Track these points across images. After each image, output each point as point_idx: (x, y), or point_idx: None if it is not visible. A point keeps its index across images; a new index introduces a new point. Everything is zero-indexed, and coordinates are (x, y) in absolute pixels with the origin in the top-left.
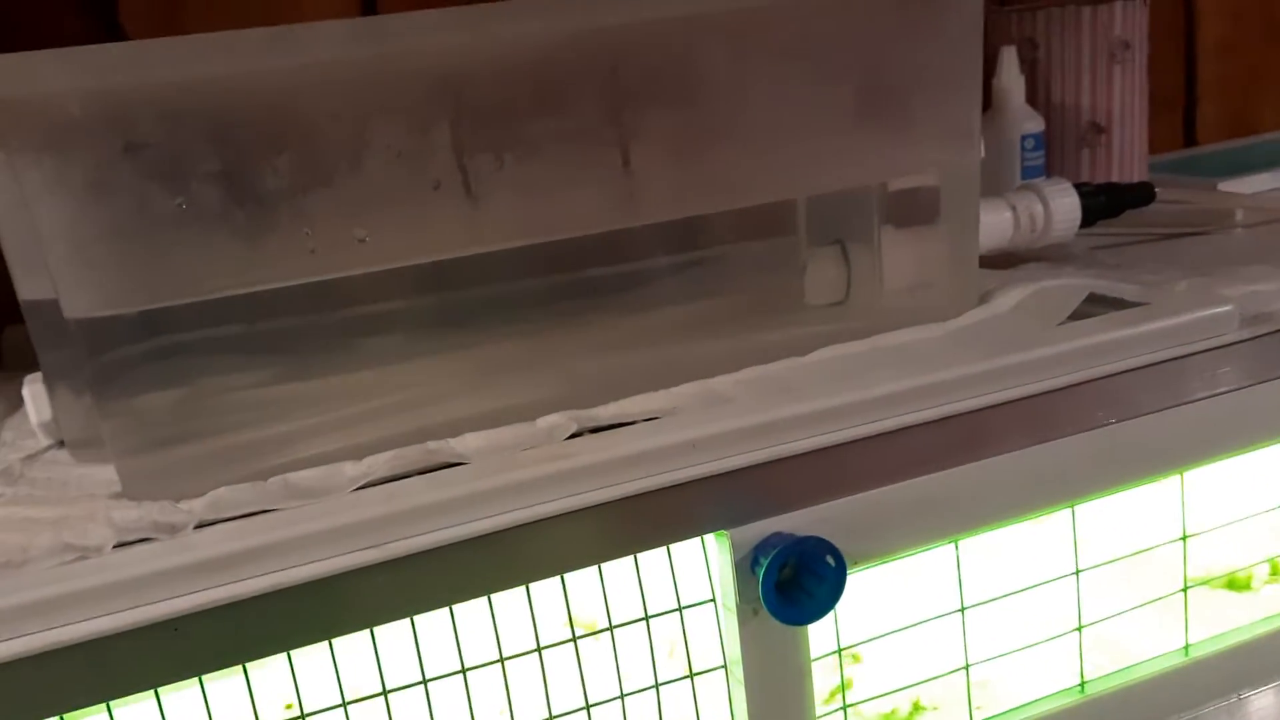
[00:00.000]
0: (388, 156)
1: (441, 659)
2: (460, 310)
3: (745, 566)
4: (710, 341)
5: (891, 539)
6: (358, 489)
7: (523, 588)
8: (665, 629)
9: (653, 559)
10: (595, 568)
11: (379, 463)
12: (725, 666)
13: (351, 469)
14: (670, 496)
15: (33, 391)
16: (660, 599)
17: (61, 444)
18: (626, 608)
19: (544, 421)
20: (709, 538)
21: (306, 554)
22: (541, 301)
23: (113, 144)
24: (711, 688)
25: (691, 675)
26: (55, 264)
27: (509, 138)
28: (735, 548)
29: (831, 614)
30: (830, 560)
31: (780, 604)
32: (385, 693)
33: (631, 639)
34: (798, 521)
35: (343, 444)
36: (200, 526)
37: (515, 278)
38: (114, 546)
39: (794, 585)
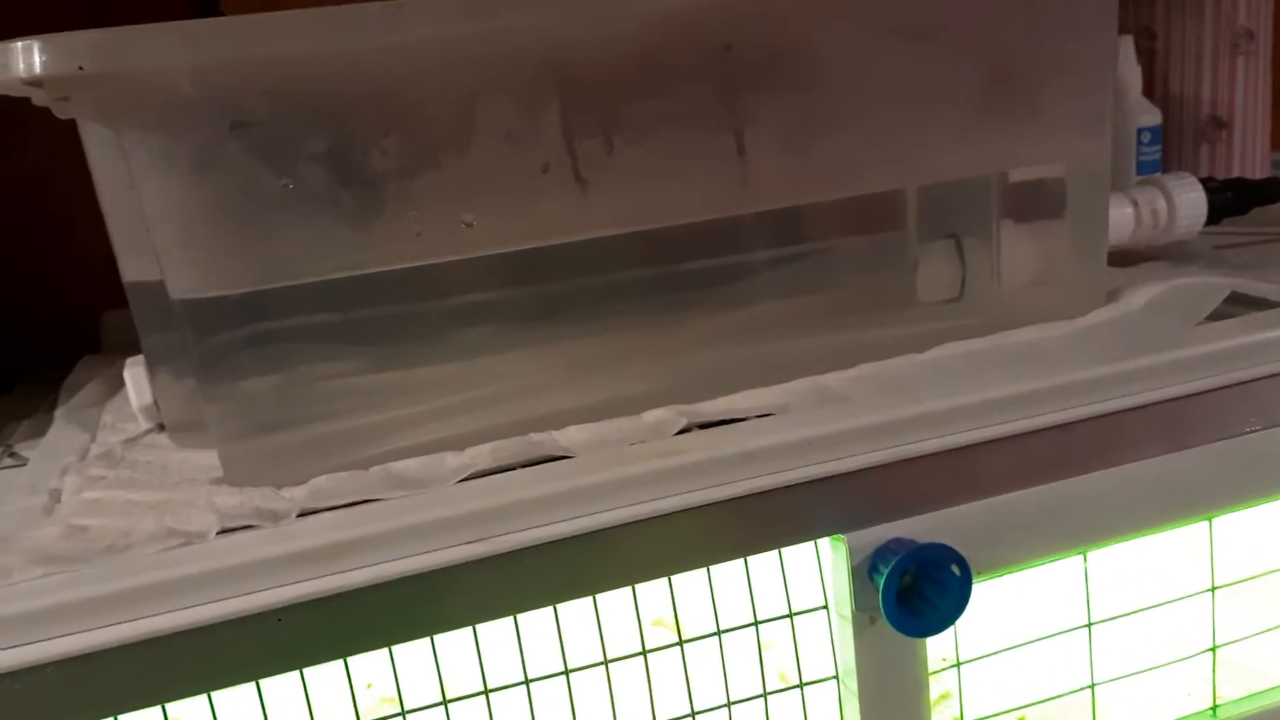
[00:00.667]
0: (496, 138)
1: (538, 661)
2: (559, 301)
3: (863, 573)
4: (817, 337)
5: (1016, 549)
6: (461, 481)
7: (628, 589)
8: (762, 636)
9: (756, 563)
10: (704, 570)
11: (481, 454)
12: (838, 677)
13: (453, 460)
14: (784, 497)
15: (133, 374)
16: (755, 605)
17: (161, 428)
18: (723, 612)
19: (650, 416)
20: (823, 542)
21: (409, 546)
22: (641, 293)
23: (220, 122)
24: (821, 698)
25: (802, 685)
26: (161, 244)
27: (620, 120)
28: (852, 553)
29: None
30: (955, 569)
31: (901, 614)
32: (486, 692)
33: (732, 646)
34: (917, 527)
35: (442, 434)
36: (303, 515)
37: (614, 268)
38: (217, 533)
39: (914, 594)
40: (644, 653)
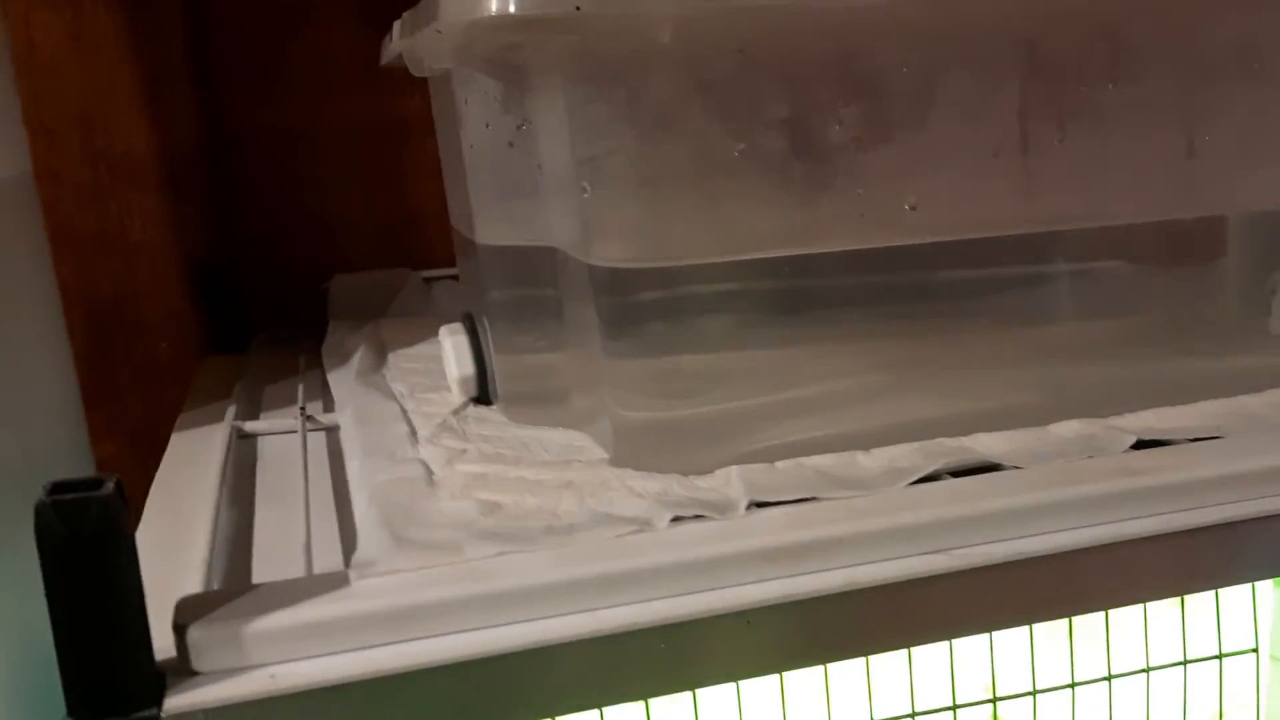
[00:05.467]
0: (952, 116)
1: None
2: (929, 296)
3: None
4: (1160, 361)
5: None
6: (911, 484)
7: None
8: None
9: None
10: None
11: (903, 456)
12: None
13: (865, 459)
14: (1246, 529)
15: (455, 343)
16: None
17: (476, 400)
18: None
19: (1061, 428)
20: (1261, 583)
21: (878, 551)
22: (1031, 292)
23: (688, 79)
24: None
25: None
26: (592, 208)
27: (1077, 105)
28: None
29: None
30: None
31: None
32: (954, 707)
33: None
34: None
35: (830, 431)
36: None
37: (1005, 261)
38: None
39: None
40: (1110, 679)
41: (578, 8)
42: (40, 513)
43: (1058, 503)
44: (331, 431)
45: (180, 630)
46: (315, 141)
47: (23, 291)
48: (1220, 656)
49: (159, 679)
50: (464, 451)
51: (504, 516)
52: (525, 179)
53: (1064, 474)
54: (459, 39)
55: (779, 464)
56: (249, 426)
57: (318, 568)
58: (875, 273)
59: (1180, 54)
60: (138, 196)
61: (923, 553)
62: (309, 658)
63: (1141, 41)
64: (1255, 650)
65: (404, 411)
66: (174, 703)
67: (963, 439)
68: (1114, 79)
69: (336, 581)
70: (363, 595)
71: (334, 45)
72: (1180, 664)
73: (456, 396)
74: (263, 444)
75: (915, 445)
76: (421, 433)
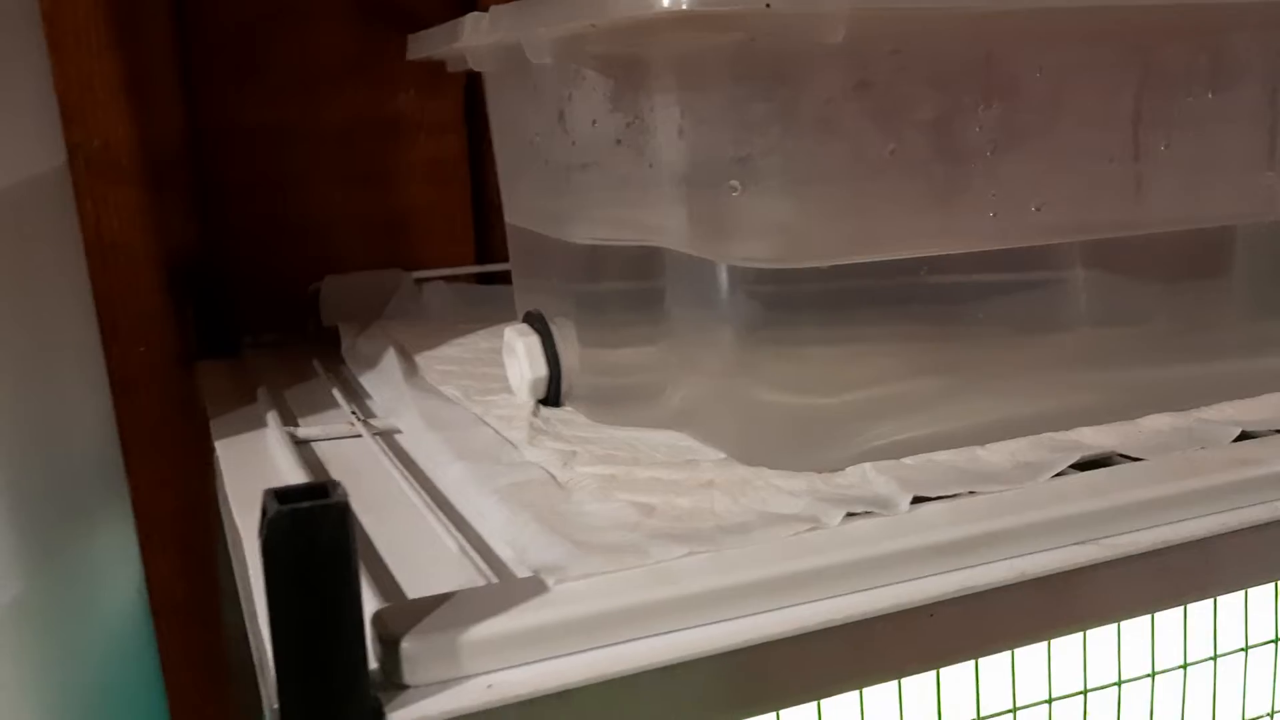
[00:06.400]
0: (1076, 121)
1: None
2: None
3: None
4: (1199, 362)
5: None
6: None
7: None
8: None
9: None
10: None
11: (1021, 450)
12: None
13: (985, 454)
14: None
15: (527, 344)
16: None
17: (543, 402)
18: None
19: (1148, 422)
20: None
21: (1038, 543)
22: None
23: (848, 78)
24: None
25: None
26: (742, 206)
27: (1182, 114)
28: None
29: None
30: None
31: None
32: (1085, 692)
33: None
34: None
35: (942, 427)
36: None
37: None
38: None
39: None
40: (1184, 666)
41: (768, 4)
42: (277, 523)
43: (1193, 491)
44: (387, 435)
45: (391, 642)
46: (300, 139)
47: (63, 290)
48: (1278, 640)
49: (375, 694)
50: (574, 454)
51: (665, 518)
52: (632, 177)
53: (1189, 465)
54: (574, 36)
55: (906, 460)
56: (300, 433)
57: (459, 575)
58: (973, 273)
59: (1272, 64)
60: (115, 193)
61: (1075, 543)
62: (519, 665)
63: (1239, 51)
64: None
65: (473, 415)
66: (397, 718)
67: (1068, 433)
68: (1214, 88)
69: (534, 588)
70: (567, 600)
71: (323, 41)
72: (1242, 650)
73: (523, 398)
74: (321, 450)
75: (1027, 440)
76: (512, 435)
